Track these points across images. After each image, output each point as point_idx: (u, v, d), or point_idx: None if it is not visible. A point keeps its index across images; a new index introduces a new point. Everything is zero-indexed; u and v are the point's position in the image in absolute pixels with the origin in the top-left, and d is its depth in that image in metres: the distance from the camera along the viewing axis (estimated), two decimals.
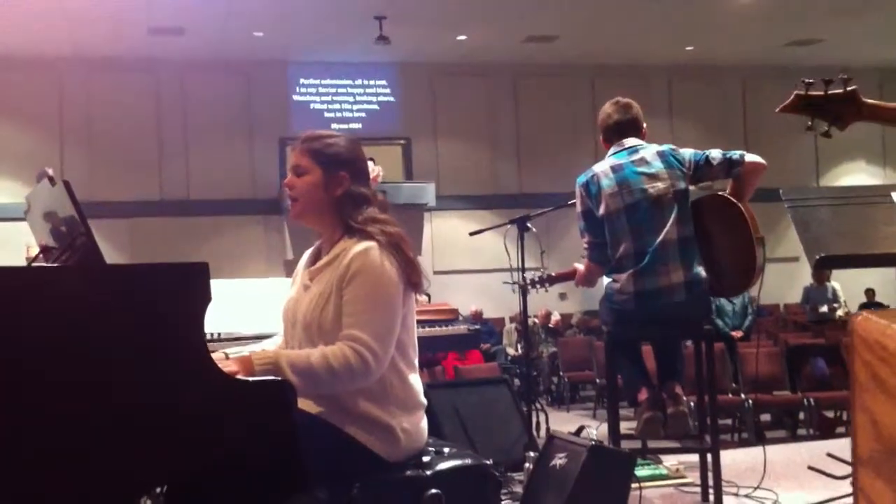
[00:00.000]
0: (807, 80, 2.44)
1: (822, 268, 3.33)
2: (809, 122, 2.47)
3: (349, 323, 2.41)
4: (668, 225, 3.80)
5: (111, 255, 2.70)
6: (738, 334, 8.86)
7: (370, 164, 2.77)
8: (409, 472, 2.51)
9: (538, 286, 4.55)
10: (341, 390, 2.43)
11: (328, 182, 2.57)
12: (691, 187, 3.97)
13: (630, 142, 4.01)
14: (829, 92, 2.42)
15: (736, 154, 3.90)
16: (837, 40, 15.64)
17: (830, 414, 8.02)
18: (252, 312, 4.30)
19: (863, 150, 18.23)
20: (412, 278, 2.54)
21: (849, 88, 2.42)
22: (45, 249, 2.69)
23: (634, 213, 3.82)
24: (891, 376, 1.41)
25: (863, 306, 14.80)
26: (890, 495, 1.42)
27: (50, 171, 2.45)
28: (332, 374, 2.35)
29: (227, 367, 2.22)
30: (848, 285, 13.29)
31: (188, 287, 2.07)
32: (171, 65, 15.04)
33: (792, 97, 2.47)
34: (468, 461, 2.63)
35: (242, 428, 2.12)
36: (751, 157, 3.87)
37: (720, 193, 3.89)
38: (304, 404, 2.39)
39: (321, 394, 2.43)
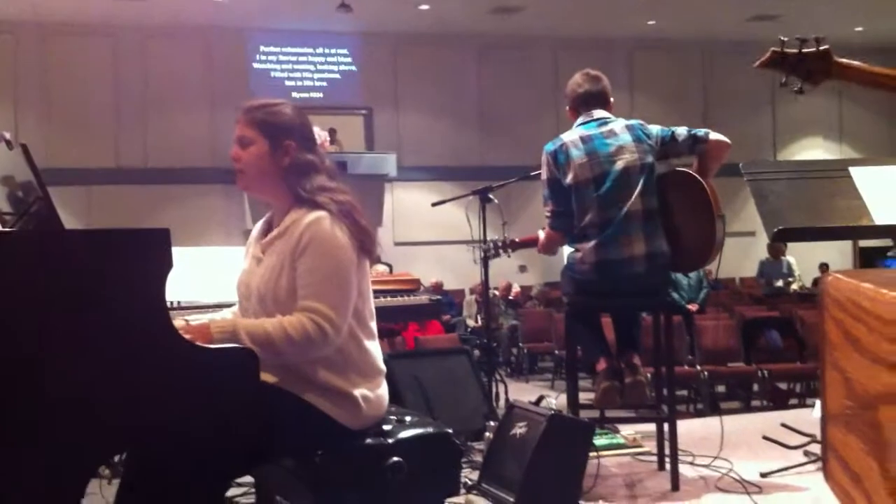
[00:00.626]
0: (783, 38, 2.49)
1: (780, 240, 3.39)
2: (783, 79, 2.54)
3: (305, 294, 2.42)
4: (634, 197, 3.82)
5: (68, 222, 2.68)
6: (693, 307, 8.97)
7: (316, 129, 2.74)
8: (370, 440, 2.52)
9: (501, 251, 4.56)
10: (298, 359, 2.44)
11: (274, 152, 2.54)
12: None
13: (598, 113, 4.03)
14: (804, 50, 2.49)
15: (701, 132, 3.92)
16: (798, 16, 15.74)
17: (783, 385, 8.18)
18: (212, 281, 4.28)
19: (820, 126, 18.47)
20: (365, 245, 2.54)
21: (822, 48, 2.50)
22: (1, 215, 2.65)
23: (602, 184, 3.84)
24: (865, 334, 1.43)
25: (817, 281, 15.03)
26: (861, 448, 1.45)
27: (7, 135, 2.41)
28: (290, 343, 2.35)
29: (184, 334, 2.21)
30: (803, 260, 13.49)
31: (150, 253, 2.05)
32: (130, 30, 14.80)
33: (768, 53, 2.54)
34: (430, 429, 2.65)
35: (205, 396, 2.12)
36: (715, 136, 3.90)
37: (684, 169, 3.92)
38: (264, 374, 2.38)
39: (279, 363, 2.43)
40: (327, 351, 2.44)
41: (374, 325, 2.65)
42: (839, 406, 1.53)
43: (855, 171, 3.31)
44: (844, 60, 2.55)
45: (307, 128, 2.64)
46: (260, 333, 2.34)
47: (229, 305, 2.88)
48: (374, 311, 2.65)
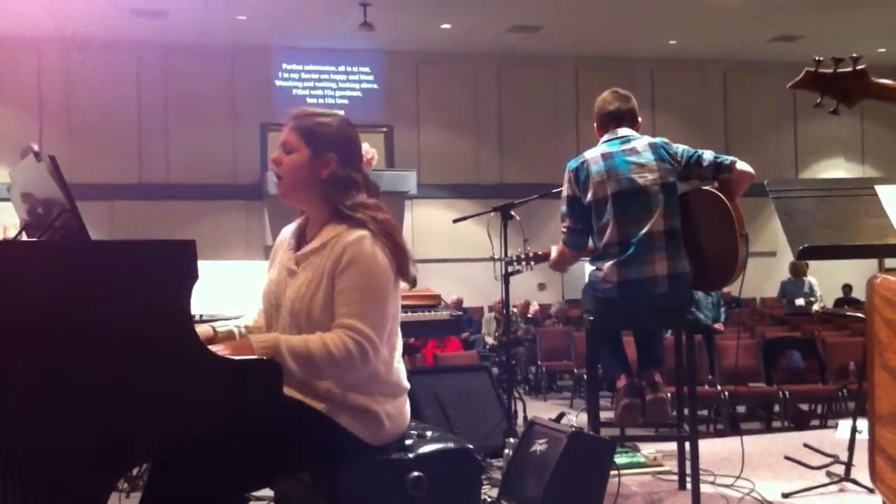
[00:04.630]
0: (818, 58, 2.46)
1: (805, 258, 3.35)
2: (819, 99, 2.50)
3: (345, 312, 2.39)
4: (655, 216, 3.81)
5: (90, 236, 2.72)
6: (719, 327, 8.90)
7: (365, 147, 2.70)
8: (391, 455, 2.51)
9: (523, 263, 4.56)
10: (338, 378, 2.41)
11: (314, 162, 2.51)
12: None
13: (623, 131, 4.02)
14: (839, 70, 2.45)
15: (727, 160, 3.88)
16: (819, 37, 15.72)
17: (805, 407, 8.11)
18: (233, 295, 4.30)
19: (842, 147, 18.38)
20: (403, 266, 2.52)
21: (858, 67, 2.44)
22: (27, 227, 2.66)
23: (621, 202, 3.83)
24: None
25: (839, 301, 14.91)
26: None
27: (35, 147, 2.42)
28: (332, 361, 2.33)
29: (224, 350, 2.20)
30: (824, 281, 13.41)
31: (177, 264, 2.06)
32: (153, 47, 14.93)
33: (803, 73, 2.49)
34: (450, 445, 2.64)
35: (228, 408, 2.12)
36: (741, 166, 3.86)
37: (707, 188, 3.90)
38: (287, 389, 2.37)
39: (315, 380, 2.41)
40: (365, 371, 2.41)
41: (399, 343, 2.63)
42: (889, 406, 1.52)
43: (881, 190, 3.29)
44: (882, 80, 2.49)
45: (353, 143, 2.61)
46: (302, 351, 2.31)
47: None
48: (399, 331, 2.64)
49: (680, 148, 3.99)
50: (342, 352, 2.33)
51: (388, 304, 2.45)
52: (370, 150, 2.67)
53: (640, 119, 4.13)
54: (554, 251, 4.15)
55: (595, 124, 4.15)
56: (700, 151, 3.96)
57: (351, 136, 2.61)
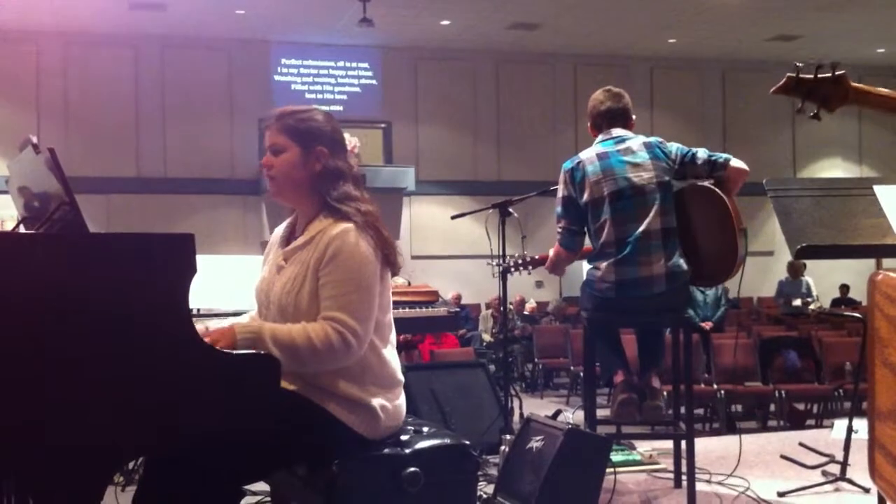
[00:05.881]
0: (798, 64, 2.50)
1: (803, 258, 3.36)
2: (800, 105, 2.53)
3: (329, 305, 2.41)
4: (651, 215, 3.81)
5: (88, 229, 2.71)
6: (707, 325, 8.91)
7: (346, 136, 2.74)
8: (387, 450, 2.52)
9: (520, 268, 4.56)
10: (320, 368, 2.43)
11: (306, 158, 2.54)
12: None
13: (618, 131, 4.02)
14: (819, 76, 2.49)
15: (721, 158, 3.88)
16: (817, 37, 15.74)
17: (801, 406, 8.13)
18: (231, 289, 4.30)
19: (839, 147, 18.39)
20: (389, 257, 2.54)
21: (837, 73, 2.48)
22: (26, 219, 2.66)
23: (617, 201, 3.83)
24: None
25: (836, 301, 14.93)
26: None
27: (34, 139, 2.42)
28: (314, 351, 2.35)
29: (209, 337, 2.21)
30: (822, 280, 13.42)
31: (175, 258, 2.06)
32: (152, 40, 14.90)
33: (784, 79, 2.54)
34: (447, 440, 2.65)
35: (225, 401, 2.12)
36: (735, 163, 3.85)
37: (703, 183, 3.90)
38: (284, 382, 2.38)
39: (299, 371, 2.43)
40: (349, 362, 2.43)
41: (393, 336, 2.64)
42: (890, 403, 1.52)
43: (879, 190, 3.29)
44: (861, 86, 2.54)
45: (338, 133, 2.64)
46: (285, 339, 2.34)
47: (245, 313, 2.87)
48: (392, 322, 2.65)
49: (674, 147, 3.99)
50: (325, 343, 2.36)
51: (373, 294, 2.47)
52: (352, 139, 2.70)
53: (633, 117, 4.12)
54: (551, 254, 4.16)
55: (589, 124, 4.15)
56: (694, 150, 3.95)
57: (335, 127, 2.64)
